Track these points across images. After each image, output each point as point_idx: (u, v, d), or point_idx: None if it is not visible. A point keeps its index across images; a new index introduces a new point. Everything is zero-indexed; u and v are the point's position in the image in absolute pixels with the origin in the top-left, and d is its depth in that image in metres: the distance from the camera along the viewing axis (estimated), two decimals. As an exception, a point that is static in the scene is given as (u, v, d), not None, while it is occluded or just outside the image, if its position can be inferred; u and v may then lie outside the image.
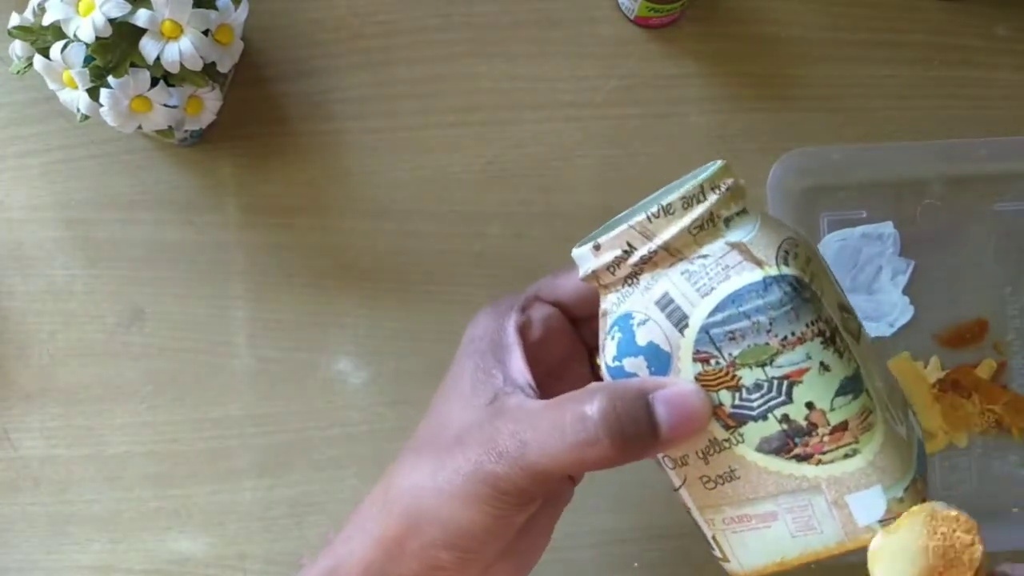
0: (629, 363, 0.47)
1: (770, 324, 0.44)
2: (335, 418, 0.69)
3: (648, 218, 0.45)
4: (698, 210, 0.45)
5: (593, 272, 0.47)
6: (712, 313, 0.44)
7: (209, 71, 0.63)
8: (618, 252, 0.46)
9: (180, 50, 0.60)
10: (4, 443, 0.69)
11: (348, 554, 0.50)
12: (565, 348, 0.55)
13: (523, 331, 0.52)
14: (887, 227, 0.70)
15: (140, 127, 0.63)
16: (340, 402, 0.70)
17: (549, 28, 0.72)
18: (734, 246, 0.45)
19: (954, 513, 0.43)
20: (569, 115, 0.72)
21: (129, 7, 0.59)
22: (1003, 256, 0.70)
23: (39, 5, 0.61)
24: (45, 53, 0.61)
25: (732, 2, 0.73)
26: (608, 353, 0.48)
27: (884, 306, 0.70)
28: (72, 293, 0.70)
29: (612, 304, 0.47)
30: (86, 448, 0.69)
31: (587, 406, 0.45)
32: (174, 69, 0.61)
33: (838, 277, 0.64)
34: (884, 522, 0.45)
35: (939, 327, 0.70)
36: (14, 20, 0.61)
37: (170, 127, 0.65)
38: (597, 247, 0.47)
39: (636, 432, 0.45)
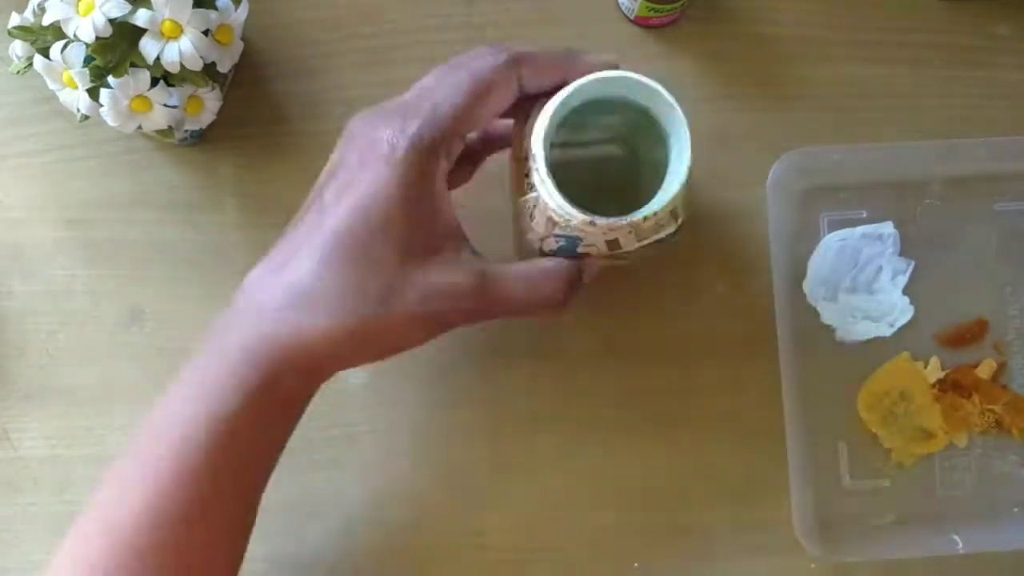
0: None
1: None
2: (335, 418, 0.69)
3: None
4: None
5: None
6: None
7: (209, 71, 0.63)
8: None
9: (180, 50, 0.60)
10: (4, 443, 0.69)
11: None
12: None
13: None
14: (887, 227, 0.70)
15: (140, 127, 0.63)
16: (340, 402, 0.69)
17: (549, 28, 0.72)
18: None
19: None
20: (569, 115, 0.72)
21: (129, 7, 0.59)
22: (1003, 256, 0.70)
23: (39, 5, 0.61)
24: (45, 53, 0.60)
25: (732, 2, 0.73)
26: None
27: (884, 306, 0.70)
28: (72, 293, 0.70)
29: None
30: (86, 448, 0.69)
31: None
32: (174, 69, 0.61)
33: (839, 277, 0.66)
34: None
35: (939, 327, 0.70)
36: (14, 20, 0.61)
37: (170, 127, 0.65)
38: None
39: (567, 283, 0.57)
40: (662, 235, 0.56)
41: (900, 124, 0.72)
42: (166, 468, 0.52)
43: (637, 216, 0.53)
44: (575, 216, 0.53)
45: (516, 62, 0.55)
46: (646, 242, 0.56)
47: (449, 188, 0.56)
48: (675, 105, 0.56)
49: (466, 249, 0.56)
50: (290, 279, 0.53)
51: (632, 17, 0.71)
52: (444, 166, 0.55)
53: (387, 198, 0.53)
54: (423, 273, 0.53)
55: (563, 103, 0.54)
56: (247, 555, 0.67)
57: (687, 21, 0.72)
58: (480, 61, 0.55)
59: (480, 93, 0.55)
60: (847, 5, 0.73)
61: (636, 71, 0.72)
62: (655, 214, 0.54)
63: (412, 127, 0.54)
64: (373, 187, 0.53)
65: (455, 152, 0.56)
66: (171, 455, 0.52)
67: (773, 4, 0.73)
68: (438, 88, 0.55)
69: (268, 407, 0.54)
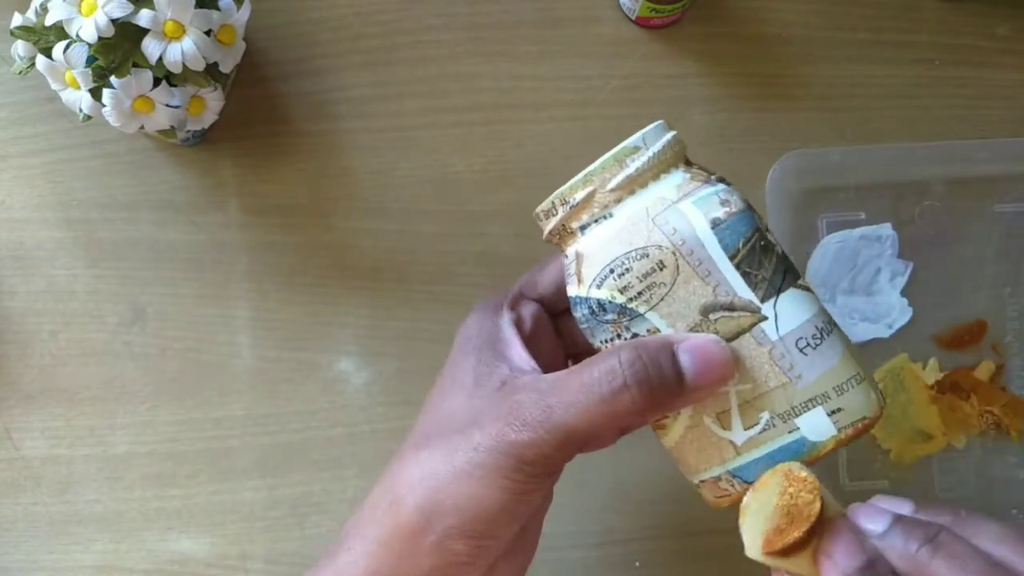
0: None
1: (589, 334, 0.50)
2: (337, 418, 0.70)
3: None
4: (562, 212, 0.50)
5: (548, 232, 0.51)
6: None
7: (211, 71, 0.63)
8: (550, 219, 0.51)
9: (182, 50, 0.60)
10: (6, 443, 0.69)
11: (351, 564, 0.49)
12: (551, 342, 0.56)
13: (517, 327, 0.53)
14: (886, 229, 0.70)
15: (142, 127, 0.64)
16: (342, 402, 0.70)
17: (550, 28, 0.73)
18: (574, 256, 0.50)
19: (803, 475, 0.45)
20: (570, 115, 0.72)
21: (131, 7, 0.59)
22: (1002, 257, 0.70)
23: (42, 5, 0.61)
24: (48, 53, 0.61)
25: (733, 2, 0.73)
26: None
27: (882, 308, 0.70)
28: (74, 293, 0.70)
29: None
30: (87, 448, 0.69)
31: (613, 359, 0.46)
32: (176, 69, 0.61)
33: (837, 279, 0.65)
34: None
35: (938, 329, 0.70)
36: (17, 20, 0.61)
37: (172, 127, 0.65)
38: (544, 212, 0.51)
39: (662, 380, 0.46)
40: (739, 212, 0.48)
41: (900, 124, 0.72)
42: None
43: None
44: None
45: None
46: (723, 215, 0.48)
47: None
48: None
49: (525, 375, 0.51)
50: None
51: (633, 17, 0.72)
52: (509, 315, 0.54)
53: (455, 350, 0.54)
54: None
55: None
56: (246, 555, 0.68)
57: (688, 21, 0.73)
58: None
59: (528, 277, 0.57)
60: (848, 5, 0.73)
61: (637, 71, 0.72)
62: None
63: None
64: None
65: (523, 310, 0.55)
66: None
67: (773, 4, 0.73)
68: None
69: None
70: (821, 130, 0.72)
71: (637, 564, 0.69)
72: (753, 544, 0.45)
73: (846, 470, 0.69)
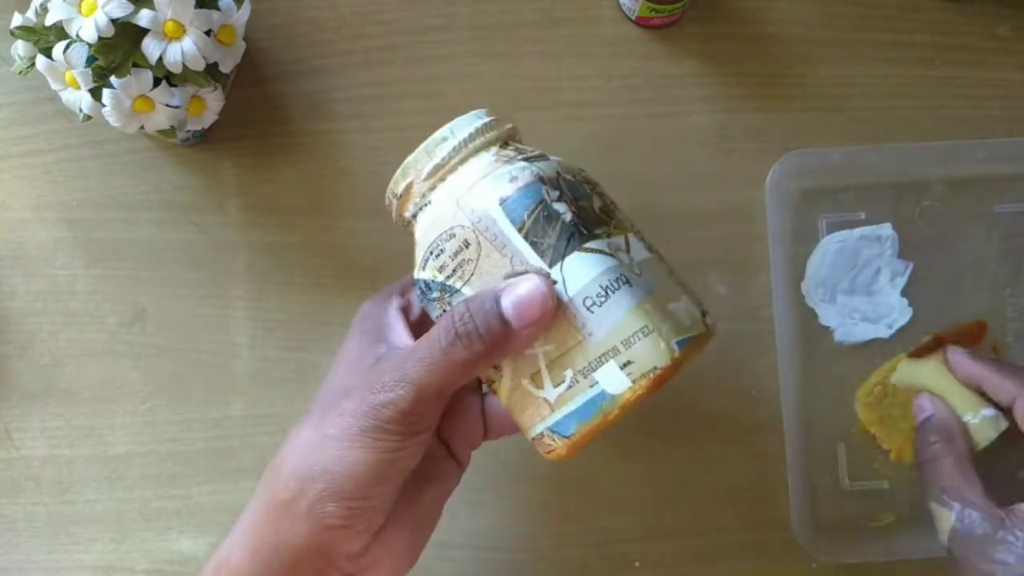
0: None
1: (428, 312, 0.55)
2: (336, 418, 0.69)
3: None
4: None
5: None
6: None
7: (211, 71, 0.63)
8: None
9: (182, 50, 0.60)
10: (6, 443, 0.69)
11: (239, 537, 0.53)
12: None
13: (404, 312, 0.58)
14: (886, 229, 0.70)
15: (142, 127, 0.64)
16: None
17: (550, 28, 0.72)
18: (414, 243, 0.55)
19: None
20: (570, 115, 0.72)
21: (132, 7, 0.59)
22: (1002, 258, 0.70)
23: (42, 5, 0.61)
24: (48, 53, 0.61)
25: (733, 2, 0.73)
26: None
27: (883, 308, 0.70)
28: (74, 293, 0.70)
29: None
30: (88, 448, 0.69)
31: (449, 316, 0.51)
32: (176, 69, 0.61)
33: (837, 279, 0.68)
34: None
35: (938, 328, 0.70)
36: (17, 20, 0.61)
37: (172, 127, 0.65)
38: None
39: (488, 327, 0.50)
40: (525, 185, 0.52)
41: (900, 124, 0.72)
42: None
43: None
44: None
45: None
46: (510, 193, 0.52)
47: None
48: None
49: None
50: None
51: (633, 17, 0.72)
52: (397, 301, 0.59)
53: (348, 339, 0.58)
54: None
55: None
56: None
57: (688, 21, 0.73)
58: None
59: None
60: (848, 5, 0.73)
61: (637, 71, 0.72)
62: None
63: None
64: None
65: (414, 296, 0.59)
66: None
67: (773, 4, 0.73)
68: None
69: None
70: (821, 130, 0.72)
71: (637, 564, 0.69)
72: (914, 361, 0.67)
73: (846, 470, 0.69)
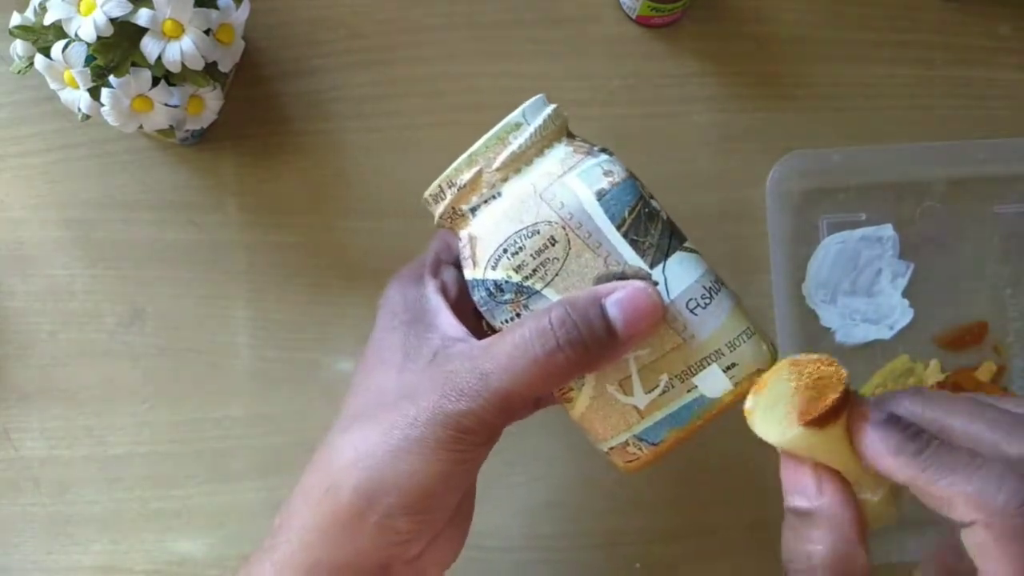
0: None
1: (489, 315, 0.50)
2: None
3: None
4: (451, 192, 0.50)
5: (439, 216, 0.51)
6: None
7: (210, 70, 0.63)
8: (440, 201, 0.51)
9: (181, 49, 0.60)
10: (4, 443, 0.69)
11: (290, 555, 0.49)
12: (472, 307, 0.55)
13: (442, 294, 0.53)
14: (887, 229, 0.70)
15: (141, 127, 0.63)
16: (340, 403, 0.69)
17: (550, 27, 0.72)
18: (468, 239, 0.50)
19: (815, 356, 0.46)
20: (570, 114, 0.71)
21: (130, 6, 0.58)
22: (1003, 258, 0.70)
23: (40, 4, 0.60)
24: (46, 52, 0.60)
25: (733, 2, 0.73)
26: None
27: (884, 308, 0.70)
28: (73, 293, 0.70)
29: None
30: (86, 448, 0.69)
31: (543, 319, 0.47)
32: (175, 69, 0.60)
33: (838, 280, 0.68)
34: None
35: (939, 329, 0.70)
36: (15, 19, 0.61)
37: (171, 127, 0.65)
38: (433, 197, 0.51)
39: (593, 335, 0.46)
40: (622, 181, 0.49)
41: (900, 124, 0.72)
42: None
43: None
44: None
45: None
46: (607, 186, 0.49)
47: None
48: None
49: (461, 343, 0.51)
50: None
51: (634, 16, 0.72)
52: (433, 283, 0.54)
53: (379, 326, 0.54)
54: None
55: None
56: (246, 555, 0.68)
57: (688, 21, 0.73)
58: None
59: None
60: (847, 5, 0.73)
61: (638, 70, 0.72)
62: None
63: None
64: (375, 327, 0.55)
65: (446, 275, 0.55)
66: None
67: (773, 4, 0.73)
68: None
69: None
70: (821, 130, 0.72)
71: (638, 566, 0.69)
72: (781, 423, 0.44)
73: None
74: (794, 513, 0.45)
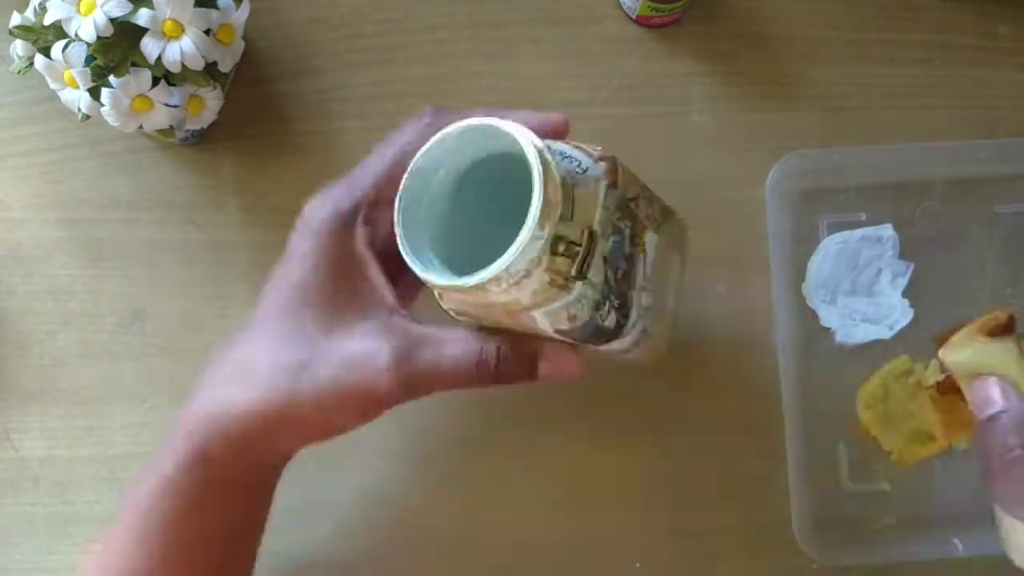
0: None
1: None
2: (336, 418, 0.69)
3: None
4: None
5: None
6: None
7: (210, 70, 0.63)
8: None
9: (181, 49, 0.60)
10: (4, 443, 0.69)
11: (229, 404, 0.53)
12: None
13: (370, 245, 0.54)
14: (887, 229, 0.70)
15: (141, 127, 0.64)
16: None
17: (550, 27, 0.72)
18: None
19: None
20: (570, 114, 0.71)
21: (130, 6, 0.59)
22: (1003, 258, 0.70)
23: (40, 4, 0.61)
24: (46, 52, 0.61)
25: (733, 2, 0.73)
26: None
27: (884, 308, 0.70)
28: (72, 293, 0.70)
29: None
30: (86, 448, 0.69)
31: (489, 345, 0.52)
32: (175, 69, 0.61)
33: (838, 280, 0.69)
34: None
35: (939, 329, 0.70)
36: (15, 19, 0.61)
37: (171, 127, 0.65)
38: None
39: (518, 377, 0.52)
40: (582, 324, 0.50)
41: (900, 124, 0.72)
42: (124, 535, 0.54)
43: (471, 280, 0.46)
44: (428, 280, 0.48)
45: (437, 123, 0.52)
46: (567, 327, 0.50)
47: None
48: (520, 140, 0.46)
49: (397, 316, 0.53)
50: (236, 354, 0.55)
51: (633, 16, 0.71)
52: (363, 233, 0.54)
53: (303, 269, 0.54)
54: (339, 346, 0.52)
55: (413, 171, 0.49)
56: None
57: (688, 21, 0.73)
58: (404, 128, 0.55)
59: (399, 159, 0.53)
60: (847, 5, 0.73)
61: (638, 70, 0.72)
62: (493, 278, 0.45)
63: (328, 198, 0.54)
64: (293, 259, 0.54)
65: (380, 218, 0.54)
66: (131, 523, 0.54)
67: (773, 4, 0.73)
68: (366, 161, 0.55)
69: (205, 480, 0.54)
70: (821, 130, 0.72)
71: (637, 566, 0.69)
72: (968, 346, 0.56)
73: (847, 472, 0.69)
74: (987, 421, 0.54)
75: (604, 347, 0.54)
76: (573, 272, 0.47)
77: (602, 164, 0.50)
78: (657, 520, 0.70)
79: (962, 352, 0.56)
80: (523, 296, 0.47)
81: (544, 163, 0.45)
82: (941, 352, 0.57)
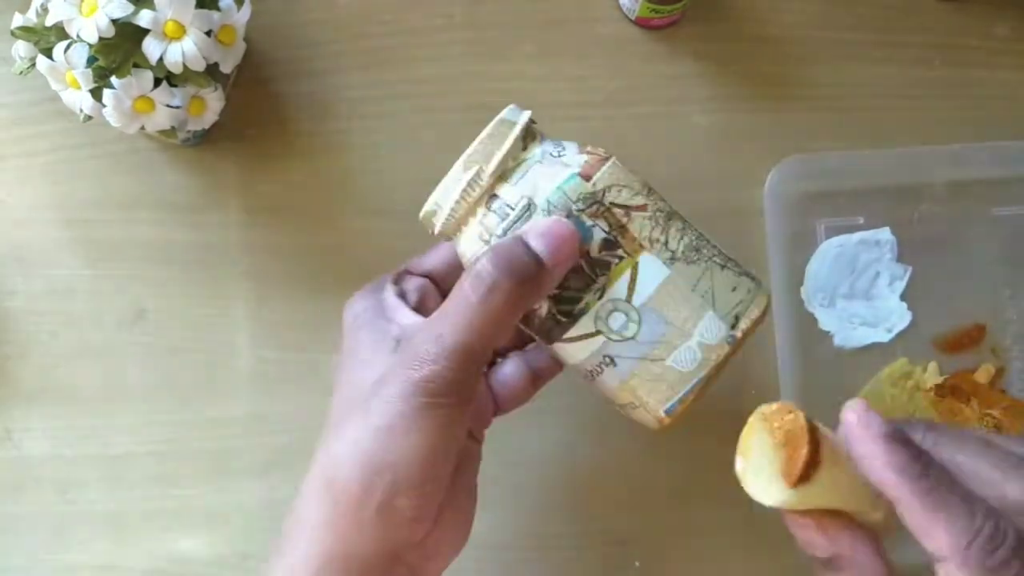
0: None
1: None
2: (336, 418, 0.70)
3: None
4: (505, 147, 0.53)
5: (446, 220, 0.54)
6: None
7: (212, 71, 0.63)
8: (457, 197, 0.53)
9: (183, 51, 0.60)
10: (6, 443, 0.69)
11: (302, 557, 0.50)
12: None
13: (400, 298, 0.57)
14: (884, 233, 0.70)
15: (143, 127, 0.63)
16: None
17: (550, 28, 0.72)
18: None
19: (774, 406, 0.47)
20: (570, 115, 0.72)
21: (132, 8, 0.59)
22: (1001, 261, 0.71)
23: (42, 5, 0.61)
24: (48, 54, 0.60)
25: (733, 3, 0.73)
26: None
27: (882, 312, 0.70)
28: (74, 293, 0.70)
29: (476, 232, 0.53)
30: (88, 448, 0.69)
31: (477, 266, 0.50)
32: (177, 70, 0.61)
33: (836, 283, 0.69)
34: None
35: (937, 332, 0.70)
36: (17, 20, 0.61)
37: (173, 127, 0.65)
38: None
39: (522, 267, 0.49)
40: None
41: (900, 124, 0.72)
42: None
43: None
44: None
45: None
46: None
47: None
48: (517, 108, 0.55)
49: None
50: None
51: (633, 18, 0.72)
52: (393, 289, 0.57)
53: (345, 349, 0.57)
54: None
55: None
56: (246, 555, 0.68)
57: (688, 22, 0.73)
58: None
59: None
60: (847, 5, 0.73)
61: (637, 71, 0.72)
62: (431, 210, 0.54)
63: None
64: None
65: (409, 285, 0.58)
66: None
67: (773, 4, 0.73)
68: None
69: None
70: (821, 131, 0.72)
71: (637, 565, 0.70)
72: (772, 488, 0.46)
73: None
74: (819, 562, 0.48)
75: (560, 353, 0.54)
76: (498, 231, 0.52)
77: (584, 156, 0.53)
78: (657, 520, 0.70)
79: (767, 495, 0.47)
80: (466, 249, 0.53)
81: (506, 124, 0.53)
82: (738, 468, 0.48)
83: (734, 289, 0.54)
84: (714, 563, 0.70)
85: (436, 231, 0.54)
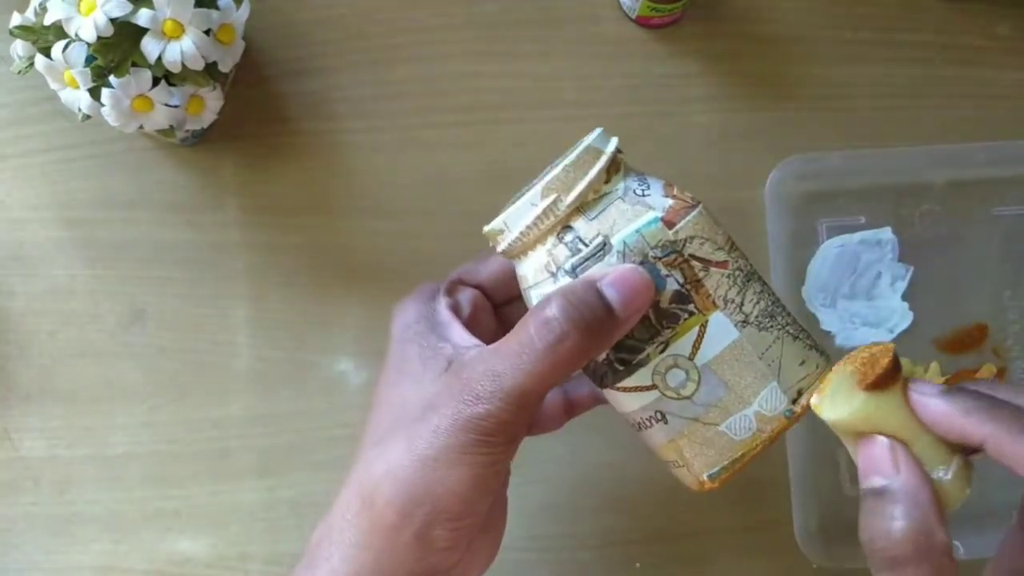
0: None
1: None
2: (336, 418, 0.70)
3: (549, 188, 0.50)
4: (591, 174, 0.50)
5: (513, 241, 0.51)
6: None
7: (211, 71, 0.63)
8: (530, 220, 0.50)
9: (182, 50, 0.60)
10: (5, 443, 0.69)
11: (331, 572, 0.49)
12: (491, 328, 0.57)
13: (453, 311, 0.54)
14: (886, 233, 0.70)
15: (141, 127, 0.63)
16: (341, 402, 0.70)
17: (551, 27, 0.72)
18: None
19: (870, 346, 0.48)
20: (570, 115, 0.72)
21: (131, 7, 0.58)
22: (1003, 260, 0.71)
23: (41, 4, 0.60)
24: (47, 53, 0.60)
25: (733, 2, 0.73)
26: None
27: (883, 312, 0.70)
28: (73, 293, 0.70)
29: (540, 260, 0.51)
30: (87, 448, 0.69)
31: (546, 311, 0.47)
32: (176, 69, 0.60)
33: (837, 283, 0.69)
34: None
35: (939, 332, 0.70)
36: (15, 19, 0.61)
37: (171, 127, 0.65)
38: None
39: (594, 316, 0.47)
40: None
41: (900, 124, 0.72)
42: None
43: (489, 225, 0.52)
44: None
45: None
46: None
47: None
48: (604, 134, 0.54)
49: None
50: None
51: (633, 17, 0.71)
52: (446, 301, 0.56)
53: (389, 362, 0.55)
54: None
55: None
56: (246, 555, 0.68)
57: (688, 21, 0.73)
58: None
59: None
60: (848, 5, 0.73)
61: (637, 70, 0.72)
62: (497, 229, 0.51)
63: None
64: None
65: (461, 296, 0.57)
66: None
67: (773, 4, 0.73)
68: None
69: None
70: (821, 131, 0.72)
71: (638, 566, 0.69)
72: (845, 400, 0.46)
73: (848, 475, 0.69)
74: (872, 494, 0.46)
75: (610, 398, 0.53)
76: (566, 266, 0.49)
77: (669, 200, 0.50)
78: (657, 520, 0.70)
79: (839, 408, 0.47)
80: (528, 273, 0.51)
81: (592, 152, 0.50)
82: (813, 402, 0.48)
83: (802, 363, 0.51)
84: (714, 563, 0.70)
85: (499, 250, 0.52)
